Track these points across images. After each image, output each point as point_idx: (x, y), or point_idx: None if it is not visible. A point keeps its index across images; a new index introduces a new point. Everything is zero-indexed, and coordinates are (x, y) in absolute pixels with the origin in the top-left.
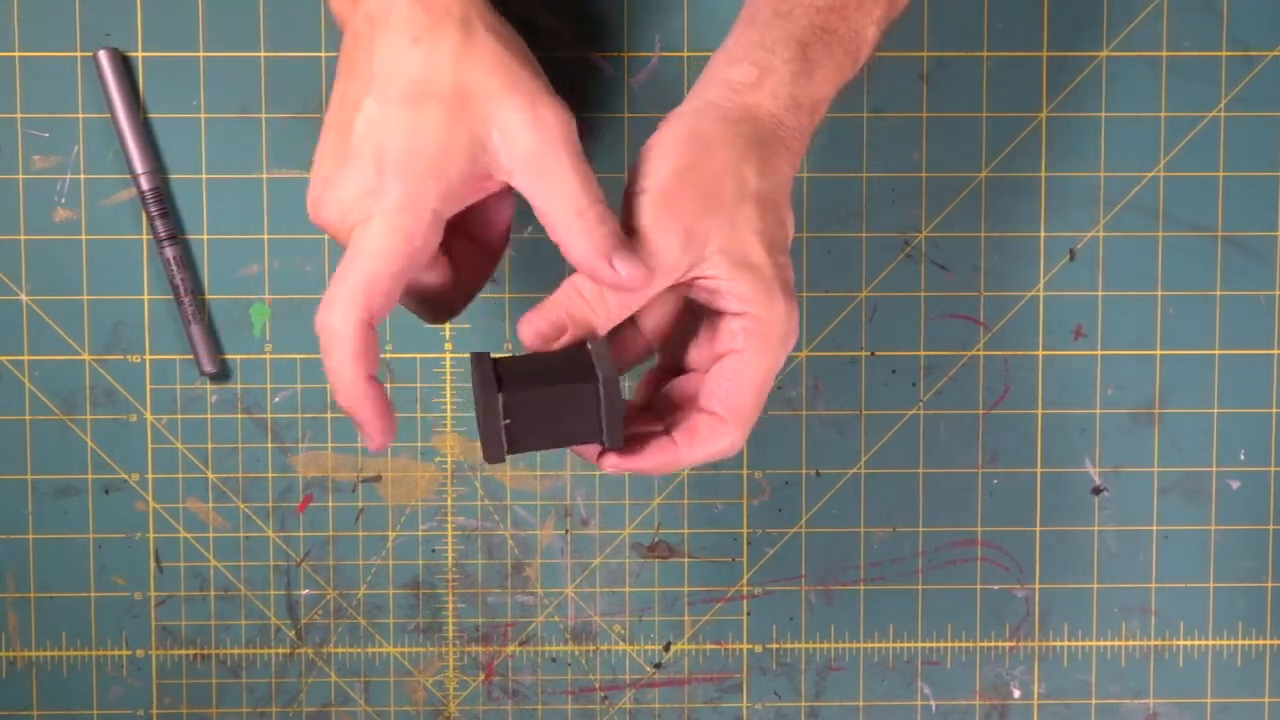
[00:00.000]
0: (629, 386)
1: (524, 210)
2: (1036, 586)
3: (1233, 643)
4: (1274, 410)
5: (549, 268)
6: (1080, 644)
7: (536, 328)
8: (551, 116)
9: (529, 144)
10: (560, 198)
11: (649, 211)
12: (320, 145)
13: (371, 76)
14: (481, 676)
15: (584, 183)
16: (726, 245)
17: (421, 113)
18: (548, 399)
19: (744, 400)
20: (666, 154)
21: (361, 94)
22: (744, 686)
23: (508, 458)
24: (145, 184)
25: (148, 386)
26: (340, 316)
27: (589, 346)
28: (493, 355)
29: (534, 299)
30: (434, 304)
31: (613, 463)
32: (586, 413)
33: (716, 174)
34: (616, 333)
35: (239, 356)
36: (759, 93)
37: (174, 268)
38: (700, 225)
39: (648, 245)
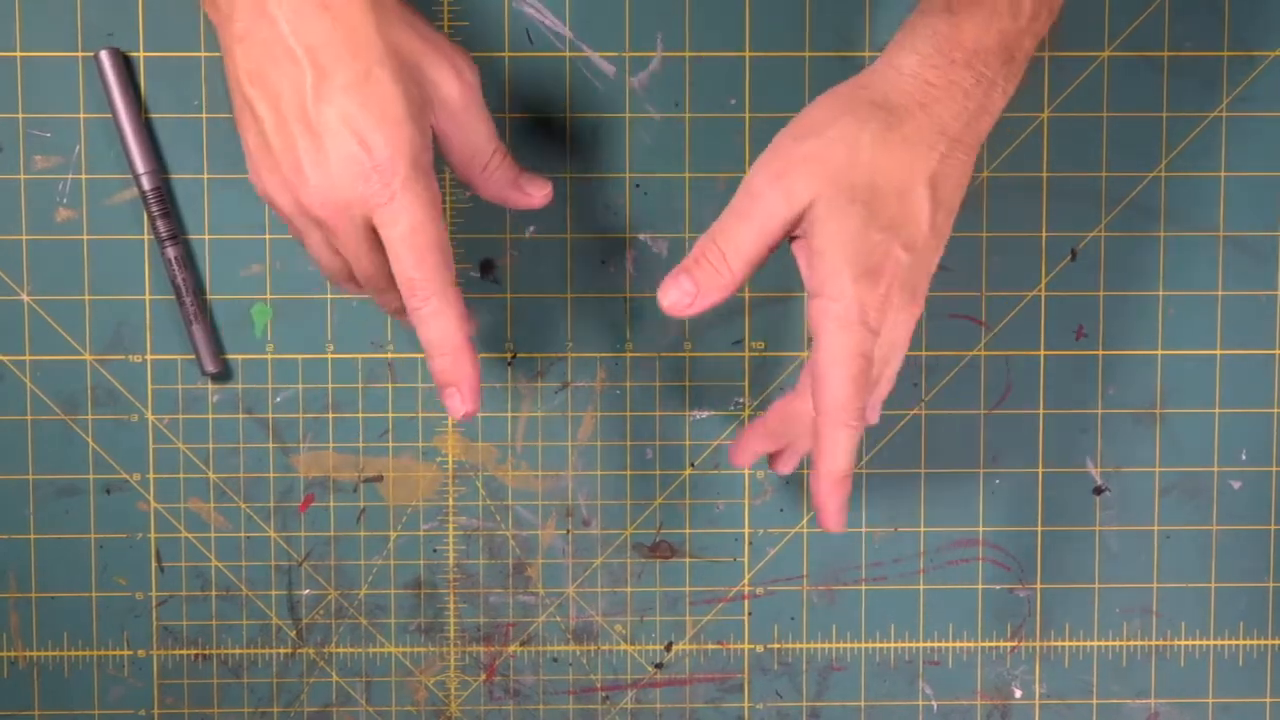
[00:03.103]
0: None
1: (524, 210)
2: (1038, 586)
3: (1234, 643)
4: (1275, 410)
5: (549, 268)
6: (1082, 644)
7: (671, 298)
8: (468, 70)
9: (454, 97)
10: (474, 143)
11: (761, 158)
12: (259, 127)
13: (291, 51)
14: (483, 676)
15: (490, 129)
16: (822, 212)
17: (371, 80)
18: None
19: (822, 388)
20: (803, 112)
21: (296, 72)
22: (745, 686)
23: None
24: (147, 184)
25: (149, 386)
26: (438, 285)
27: None
28: None
29: (534, 299)
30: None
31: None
32: None
33: (827, 141)
34: None
35: (240, 356)
36: (899, 52)
37: (175, 268)
38: (800, 183)
39: (748, 183)
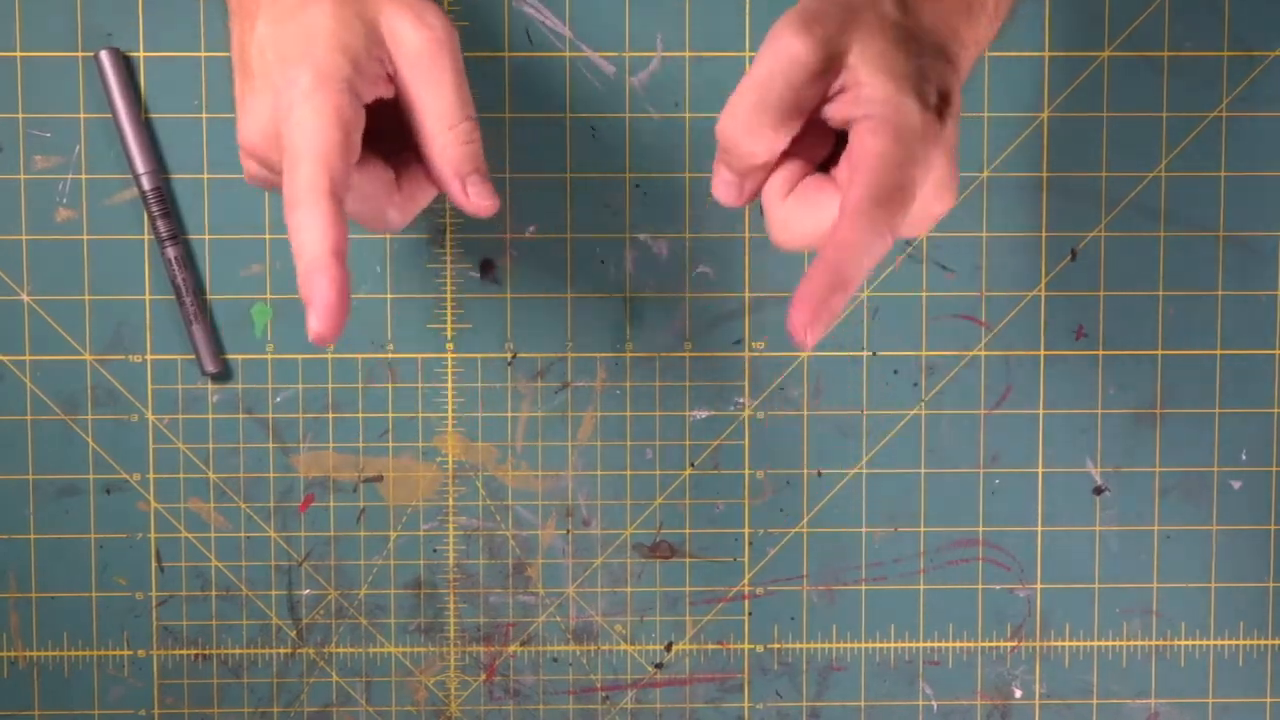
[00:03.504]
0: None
1: (524, 210)
2: (1038, 586)
3: (1234, 643)
4: (1275, 410)
5: (549, 268)
6: (1082, 644)
7: (720, 194)
8: (437, 23)
9: (415, 44)
10: (436, 105)
11: (786, 16)
12: (235, 88)
13: (257, 4)
14: (483, 676)
15: (459, 96)
16: (865, 54)
17: (308, 12)
18: None
19: (861, 179)
20: None
21: (251, 22)
22: (745, 686)
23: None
24: (147, 184)
25: (149, 386)
26: (306, 186)
27: None
28: None
29: (534, 299)
30: (374, 216)
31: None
32: None
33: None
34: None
35: (240, 356)
36: None
37: (175, 268)
38: (835, 35)
39: (775, 40)
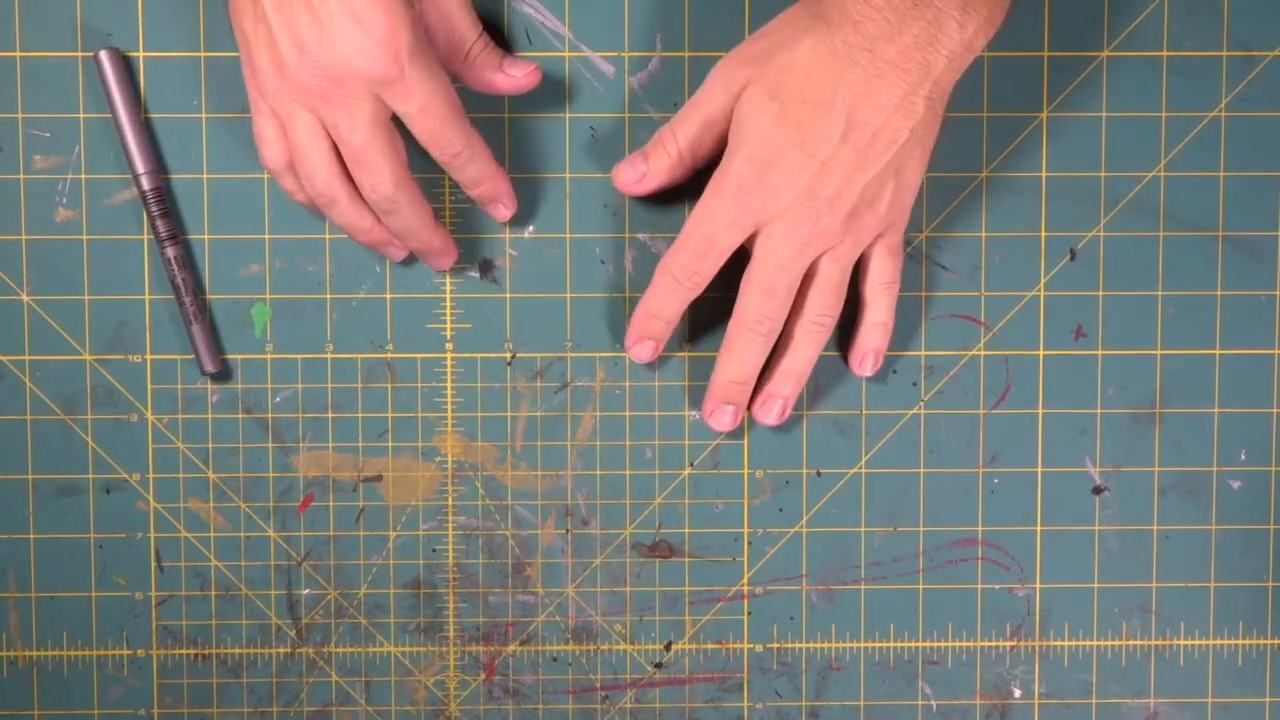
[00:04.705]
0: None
1: (524, 210)
2: (1037, 586)
3: (1233, 642)
4: (1275, 410)
5: (549, 267)
6: (1081, 644)
7: (624, 175)
8: None
9: None
10: (458, 30)
11: (723, 58)
12: (257, 11)
13: None
14: (482, 676)
15: (471, 18)
16: (744, 99)
17: None
18: None
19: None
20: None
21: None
22: (745, 686)
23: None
24: (146, 184)
25: (149, 386)
26: (464, 139)
27: None
28: None
29: (533, 299)
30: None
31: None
32: None
33: (773, 44)
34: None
35: (240, 356)
36: None
37: (175, 267)
38: (739, 76)
39: (707, 77)
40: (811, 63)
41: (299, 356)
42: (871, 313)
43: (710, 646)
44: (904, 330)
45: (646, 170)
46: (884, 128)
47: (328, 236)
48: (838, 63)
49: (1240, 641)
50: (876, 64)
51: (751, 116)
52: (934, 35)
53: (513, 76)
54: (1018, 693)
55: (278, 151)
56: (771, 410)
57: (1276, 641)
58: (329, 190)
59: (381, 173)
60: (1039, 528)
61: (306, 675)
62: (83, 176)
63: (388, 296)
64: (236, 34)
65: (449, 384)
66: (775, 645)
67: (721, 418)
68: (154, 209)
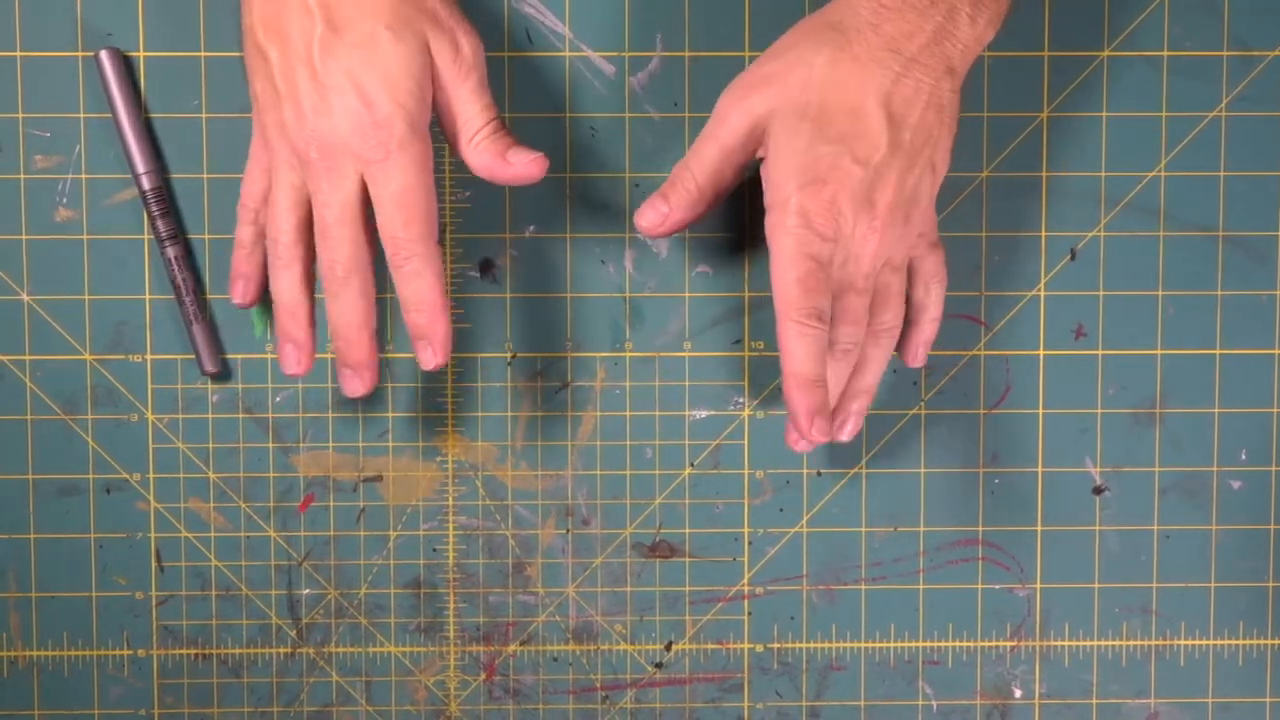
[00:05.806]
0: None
1: (524, 210)
2: (1038, 586)
3: (1234, 642)
4: (1275, 410)
5: (549, 268)
6: (1081, 644)
7: (647, 218)
8: (465, 43)
9: (447, 67)
10: (466, 115)
11: (729, 85)
12: (267, 70)
13: (305, 4)
14: (483, 676)
15: (483, 103)
16: (775, 127)
17: (377, 41)
18: None
19: (777, 291)
20: (774, 43)
21: (307, 23)
22: (745, 686)
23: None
24: (147, 184)
25: (149, 386)
26: (420, 246)
27: None
28: None
29: (534, 299)
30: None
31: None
32: None
33: (786, 63)
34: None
35: (240, 356)
36: None
37: (175, 267)
38: (758, 102)
39: (716, 107)
40: (835, 73)
41: None
42: (924, 308)
43: (711, 646)
44: (905, 329)
45: (669, 211)
46: (920, 123)
47: None
48: (861, 68)
49: (1241, 641)
50: (902, 62)
51: (789, 142)
52: (949, 29)
53: (513, 165)
54: (1018, 693)
55: (254, 197)
56: (847, 426)
57: (1277, 641)
58: (287, 256)
59: (342, 253)
60: (1039, 528)
61: (307, 675)
62: (83, 176)
63: (387, 296)
64: (249, 90)
65: (449, 384)
66: (775, 645)
67: (819, 436)
68: (154, 209)
